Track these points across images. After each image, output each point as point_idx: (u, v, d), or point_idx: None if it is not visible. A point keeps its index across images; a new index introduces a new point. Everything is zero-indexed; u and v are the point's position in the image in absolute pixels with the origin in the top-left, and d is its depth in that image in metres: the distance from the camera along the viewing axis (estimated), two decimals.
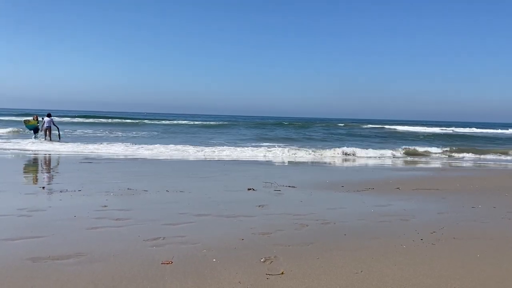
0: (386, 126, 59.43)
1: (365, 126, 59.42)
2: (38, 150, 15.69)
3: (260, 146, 20.37)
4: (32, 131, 20.99)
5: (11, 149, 16.04)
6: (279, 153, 17.31)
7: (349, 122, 73.04)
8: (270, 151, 17.88)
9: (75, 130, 30.79)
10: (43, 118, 20.62)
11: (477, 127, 65.33)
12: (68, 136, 24.12)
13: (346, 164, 14.74)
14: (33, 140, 19.70)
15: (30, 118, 22.09)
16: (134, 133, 31.77)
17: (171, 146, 18.39)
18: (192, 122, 55.73)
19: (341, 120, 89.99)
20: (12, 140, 19.57)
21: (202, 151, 17.15)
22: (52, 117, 20.61)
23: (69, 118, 51.20)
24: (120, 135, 28.34)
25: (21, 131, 25.05)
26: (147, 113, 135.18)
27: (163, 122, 55.03)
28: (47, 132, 20.09)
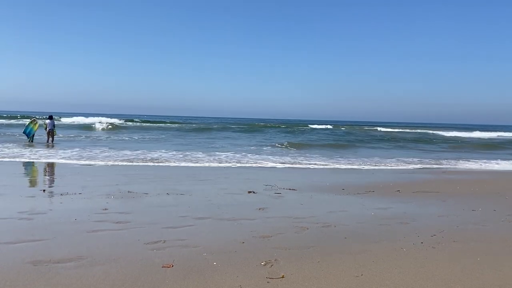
0: (407, 130, 56.65)
1: (384, 130, 56.94)
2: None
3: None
4: (25, 134, 20.48)
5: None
6: None
7: (343, 125, 72.12)
8: None
9: (80, 135, 30.74)
10: (44, 122, 20.57)
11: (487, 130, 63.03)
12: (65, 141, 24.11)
13: None
14: (29, 143, 19.58)
15: (37, 120, 21.56)
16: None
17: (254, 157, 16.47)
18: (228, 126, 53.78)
19: (326, 122, 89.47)
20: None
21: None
22: (53, 120, 20.56)
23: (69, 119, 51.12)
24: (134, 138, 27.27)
25: None
26: (146, 115, 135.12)
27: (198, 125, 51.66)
28: (50, 135, 20.01)
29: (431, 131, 53.58)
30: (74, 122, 47.59)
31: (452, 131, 53.62)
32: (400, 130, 59.41)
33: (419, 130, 56.50)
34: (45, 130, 20.28)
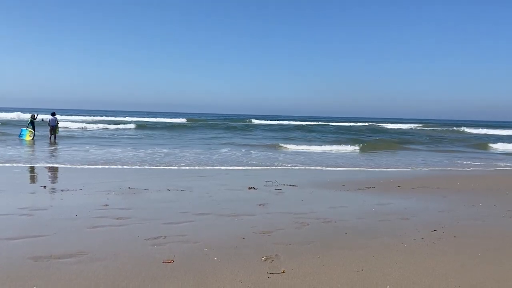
0: (434, 128, 53.02)
1: (399, 127, 54.78)
2: None
3: None
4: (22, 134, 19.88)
5: None
6: None
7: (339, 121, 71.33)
8: None
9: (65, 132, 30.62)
10: (48, 119, 20.27)
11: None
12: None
13: None
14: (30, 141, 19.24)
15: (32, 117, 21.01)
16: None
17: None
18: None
19: (336, 119, 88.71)
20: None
21: None
22: (56, 116, 20.26)
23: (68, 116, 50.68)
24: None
25: None
26: (147, 112, 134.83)
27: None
28: (52, 132, 19.79)
29: (460, 129, 50.56)
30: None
31: (479, 129, 50.45)
32: (420, 127, 57.01)
33: (448, 128, 52.74)
34: (48, 126, 19.99)
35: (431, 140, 30.18)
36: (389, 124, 61.69)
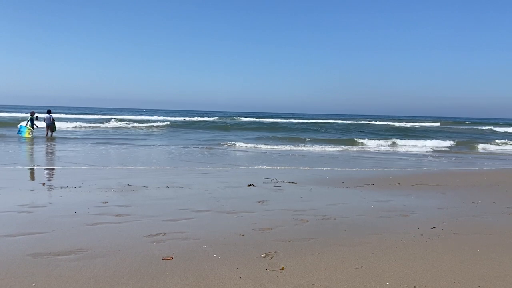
0: (451, 126, 51.40)
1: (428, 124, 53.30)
2: None
3: None
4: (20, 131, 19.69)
5: None
6: None
7: (362, 120, 69.76)
8: None
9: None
10: (44, 119, 20.20)
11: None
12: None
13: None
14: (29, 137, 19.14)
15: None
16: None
17: None
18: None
19: (342, 116, 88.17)
20: None
21: None
22: (51, 114, 20.28)
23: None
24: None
25: None
26: (146, 109, 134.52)
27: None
28: (48, 129, 19.81)
29: (485, 127, 48.92)
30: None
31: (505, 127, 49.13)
32: (433, 124, 55.38)
33: (465, 127, 51.22)
34: (43, 122, 20.02)
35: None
36: (409, 123, 58.74)
